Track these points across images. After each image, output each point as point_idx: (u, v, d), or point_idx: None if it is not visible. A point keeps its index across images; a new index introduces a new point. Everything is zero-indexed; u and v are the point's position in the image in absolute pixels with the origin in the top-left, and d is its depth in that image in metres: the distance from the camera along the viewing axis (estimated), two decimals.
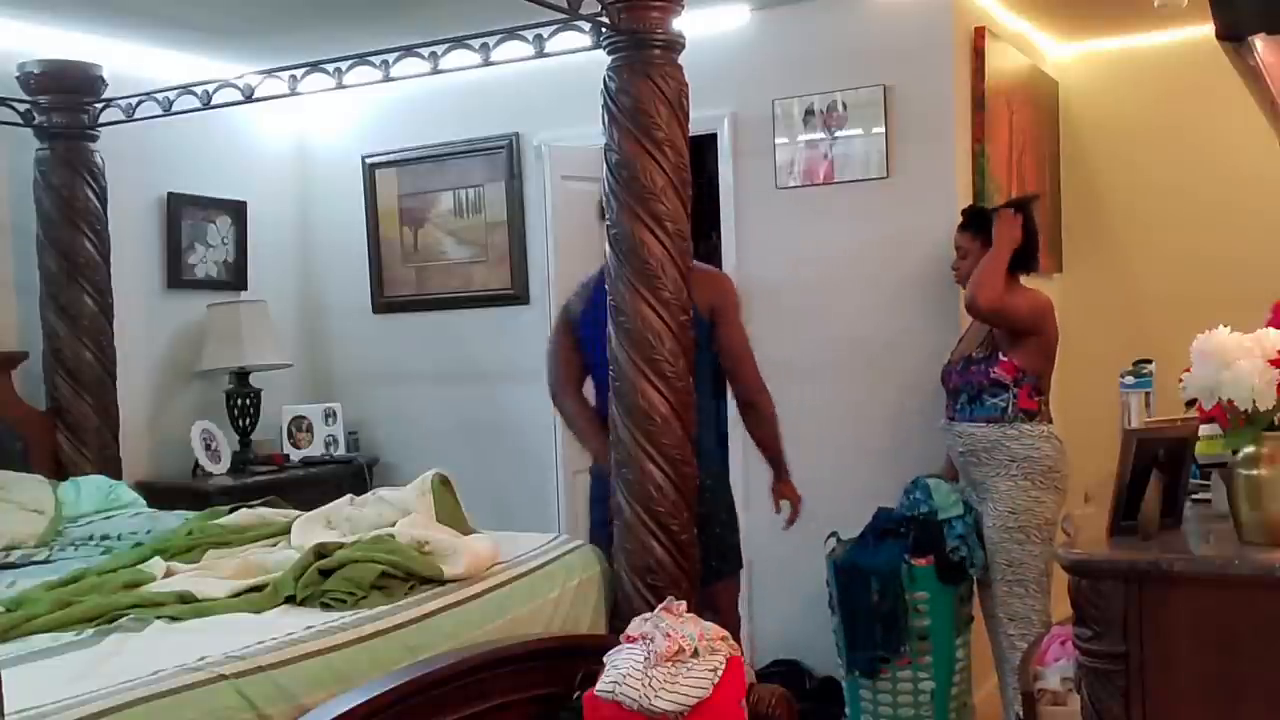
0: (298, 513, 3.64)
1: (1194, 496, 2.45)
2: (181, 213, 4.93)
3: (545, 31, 3.46)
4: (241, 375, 4.92)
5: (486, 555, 3.18)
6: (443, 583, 3.02)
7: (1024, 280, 3.87)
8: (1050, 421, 3.74)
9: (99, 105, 4.36)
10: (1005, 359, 3.68)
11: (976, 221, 3.83)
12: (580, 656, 2.90)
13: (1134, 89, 5.04)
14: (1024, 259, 3.82)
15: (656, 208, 3.28)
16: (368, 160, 5.33)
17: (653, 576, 3.28)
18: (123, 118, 4.33)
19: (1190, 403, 2.21)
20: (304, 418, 5.15)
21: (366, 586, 2.87)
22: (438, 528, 3.34)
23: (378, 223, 5.34)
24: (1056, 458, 3.68)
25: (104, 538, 3.70)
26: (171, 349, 4.93)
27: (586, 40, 3.41)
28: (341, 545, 3.08)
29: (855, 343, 4.35)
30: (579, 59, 3.52)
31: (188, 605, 2.84)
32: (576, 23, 3.34)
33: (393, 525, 3.30)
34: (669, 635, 2.75)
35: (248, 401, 4.91)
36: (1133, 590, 2.09)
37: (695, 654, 2.74)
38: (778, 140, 4.43)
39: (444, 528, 3.35)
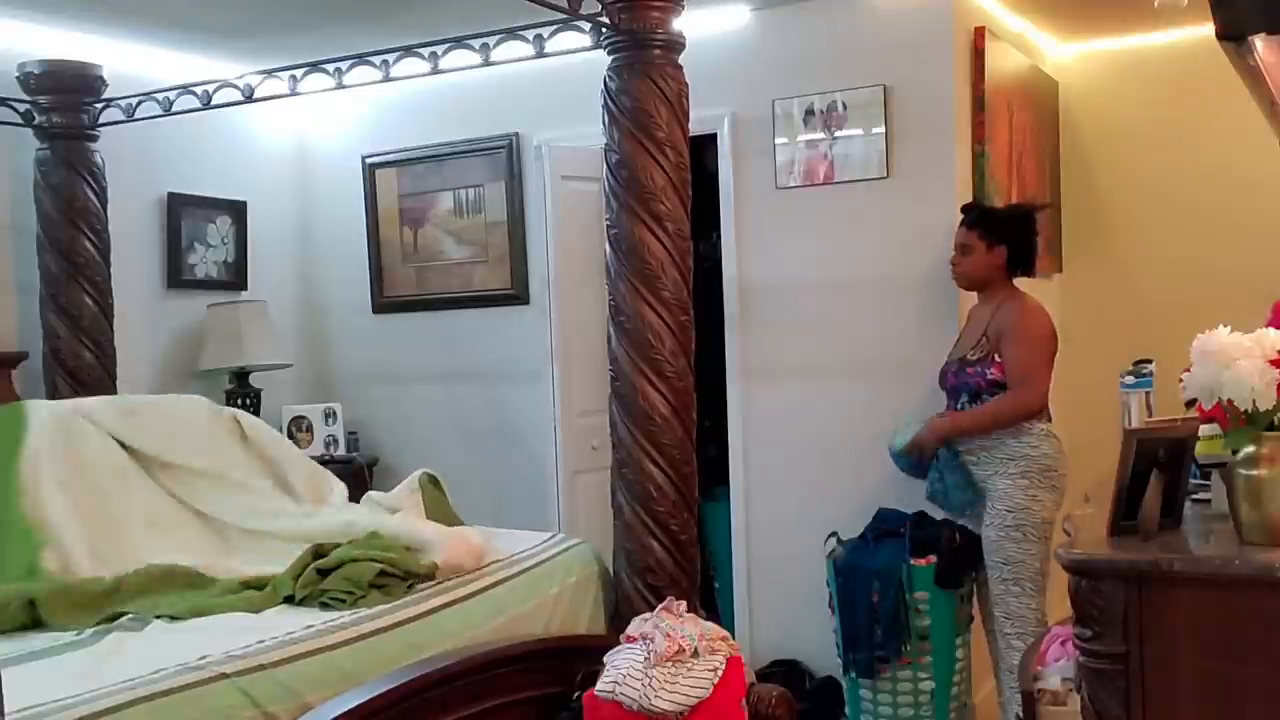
0: None
1: (1194, 496, 2.45)
2: (181, 213, 4.92)
3: (545, 31, 3.47)
4: (241, 375, 4.92)
5: (473, 544, 3.20)
6: (438, 581, 3.03)
7: (1019, 283, 3.88)
8: (1049, 420, 3.74)
9: (99, 105, 4.36)
10: (1001, 361, 3.69)
11: (985, 221, 3.82)
12: (580, 656, 2.90)
13: (1134, 89, 5.04)
14: (1022, 263, 3.83)
15: (656, 208, 3.29)
16: (368, 160, 5.32)
17: (653, 576, 3.29)
18: (123, 118, 4.34)
19: (1190, 403, 2.21)
20: (304, 418, 5.15)
21: (365, 585, 2.88)
22: (423, 523, 3.37)
23: (378, 223, 5.34)
24: (1055, 456, 3.67)
25: None
26: (171, 349, 4.93)
27: (586, 40, 3.42)
28: (338, 545, 3.09)
29: (855, 342, 4.35)
30: (579, 59, 3.52)
31: (187, 605, 2.85)
32: (576, 23, 3.35)
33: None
34: (669, 635, 2.76)
35: (248, 401, 4.90)
36: (1133, 590, 2.08)
37: (695, 654, 2.75)
38: (778, 140, 4.43)
39: (430, 524, 3.37)
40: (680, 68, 3.39)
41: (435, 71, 3.73)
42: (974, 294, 3.94)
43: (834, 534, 4.11)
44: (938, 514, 3.97)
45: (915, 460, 3.80)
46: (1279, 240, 4.57)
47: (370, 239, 5.35)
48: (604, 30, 3.33)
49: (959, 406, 3.78)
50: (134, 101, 4.30)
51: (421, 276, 5.27)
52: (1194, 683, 2.07)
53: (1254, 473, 2.10)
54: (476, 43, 3.62)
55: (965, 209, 3.93)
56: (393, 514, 3.48)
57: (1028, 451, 3.64)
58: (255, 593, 2.94)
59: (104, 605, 2.85)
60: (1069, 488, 3.73)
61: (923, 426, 3.79)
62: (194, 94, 4.20)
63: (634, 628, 2.89)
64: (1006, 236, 3.80)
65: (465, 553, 3.15)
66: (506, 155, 4.99)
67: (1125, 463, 2.18)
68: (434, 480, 3.73)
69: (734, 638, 2.98)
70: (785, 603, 4.48)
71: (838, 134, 4.32)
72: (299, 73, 3.97)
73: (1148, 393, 3.04)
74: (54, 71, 4.29)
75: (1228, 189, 4.78)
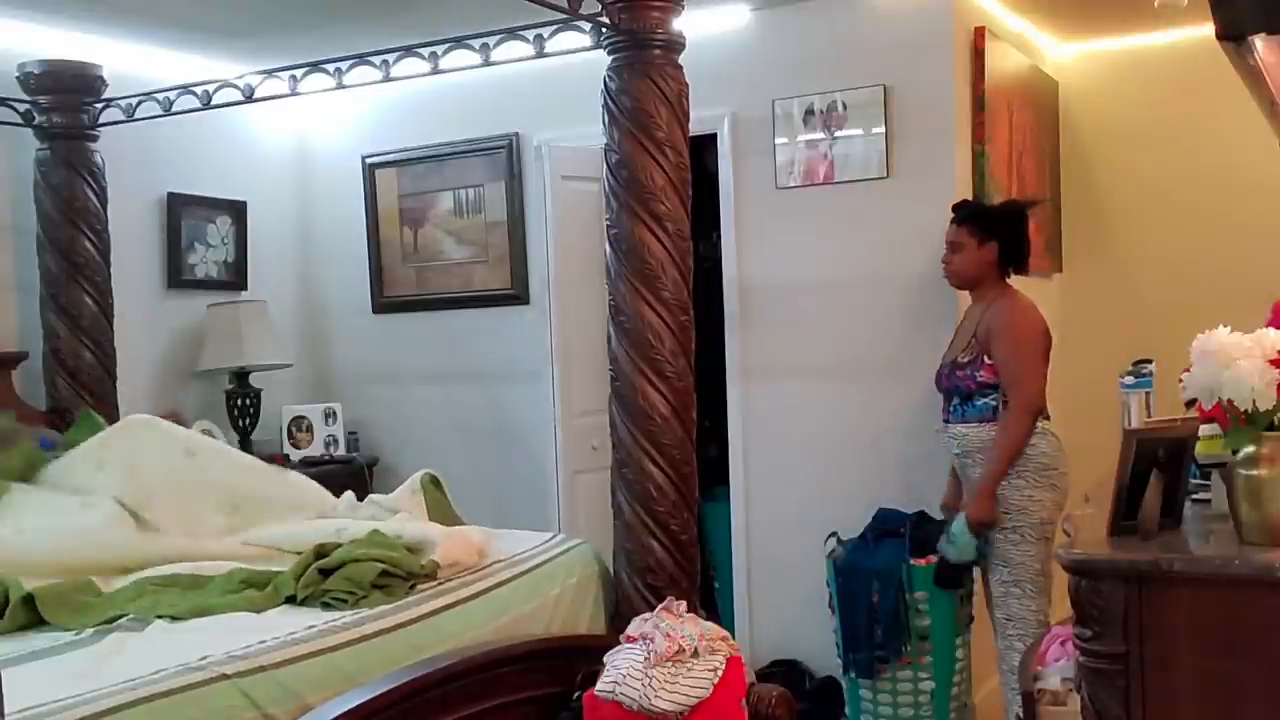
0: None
1: (1194, 496, 2.45)
2: (181, 213, 4.92)
3: (545, 31, 3.47)
4: (241, 375, 4.92)
5: (473, 541, 3.20)
6: (440, 581, 3.03)
7: (1016, 281, 3.86)
8: (1047, 418, 3.70)
9: (99, 105, 4.36)
10: (990, 363, 3.65)
11: (975, 218, 3.81)
12: (580, 656, 2.90)
13: (1134, 89, 5.04)
14: (1014, 260, 3.79)
15: (656, 208, 3.29)
16: (368, 160, 5.33)
17: (653, 576, 3.29)
18: (123, 118, 4.34)
19: (1190, 403, 2.21)
20: (304, 418, 5.15)
21: (367, 586, 2.88)
22: (424, 524, 3.38)
23: (378, 223, 5.34)
24: (1052, 454, 3.63)
25: None
26: (171, 349, 4.93)
27: (586, 40, 3.42)
28: (340, 544, 3.09)
29: (855, 343, 4.35)
30: (579, 59, 3.52)
31: (188, 604, 2.85)
32: (576, 23, 3.35)
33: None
34: (669, 635, 2.76)
35: (248, 401, 4.91)
36: (1133, 590, 2.09)
37: (695, 654, 2.75)
38: (778, 140, 4.43)
39: (431, 524, 3.38)
40: (680, 68, 3.39)
41: (435, 71, 3.73)
42: (969, 293, 3.92)
43: (834, 534, 4.11)
44: (937, 514, 3.97)
45: (982, 536, 3.65)
46: (1279, 240, 4.57)
47: (370, 239, 5.35)
48: (604, 30, 3.33)
49: (952, 408, 3.77)
50: (134, 101, 4.30)
51: (421, 276, 5.27)
52: (1194, 683, 2.07)
53: (1254, 473, 2.10)
54: (476, 43, 3.62)
55: (956, 206, 3.90)
56: (394, 515, 3.49)
57: (1023, 450, 3.60)
58: (257, 592, 2.94)
59: (105, 607, 2.85)
60: (1071, 487, 3.69)
61: (965, 510, 3.65)
62: (194, 94, 4.19)
63: (634, 628, 2.89)
64: (997, 233, 3.76)
65: (465, 550, 3.15)
66: (506, 155, 5.00)
67: (1125, 463, 2.19)
68: (435, 481, 3.74)
69: (734, 638, 2.98)
70: (785, 603, 4.48)
71: (838, 134, 4.32)
72: (299, 73, 3.97)
73: (1148, 393, 3.04)
74: (54, 71, 4.29)
75: (1228, 189, 4.78)
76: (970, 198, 4.12)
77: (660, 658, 2.71)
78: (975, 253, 3.77)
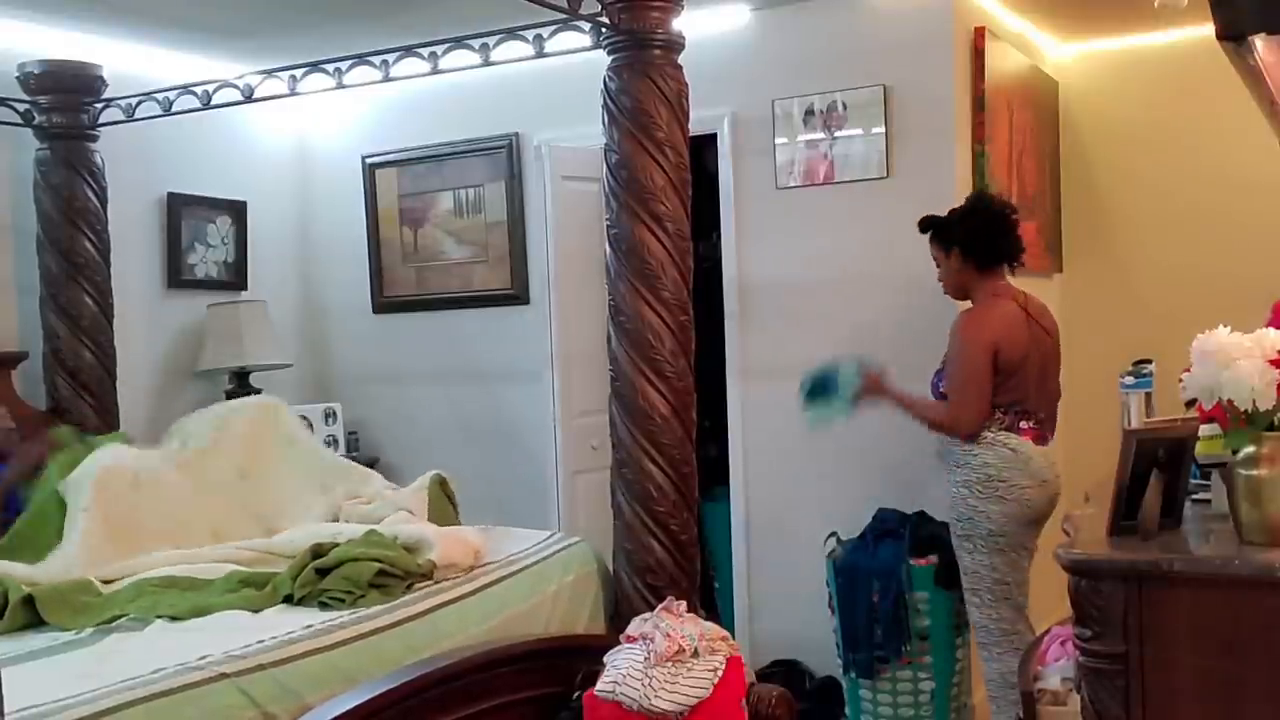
0: None
1: (1194, 496, 2.45)
2: (181, 213, 4.92)
3: (545, 31, 3.47)
4: (241, 375, 4.91)
5: (469, 542, 3.21)
6: (436, 580, 3.04)
7: (1012, 279, 3.79)
8: (1012, 430, 3.53)
9: (99, 105, 4.36)
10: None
11: (933, 231, 3.70)
12: (580, 656, 2.90)
13: (1134, 89, 5.04)
14: (985, 258, 3.61)
15: (656, 208, 3.29)
16: (368, 160, 5.33)
17: (653, 576, 3.29)
18: (123, 118, 4.34)
19: (1190, 403, 2.21)
20: (304, 418, 5.14)
21: (364, 585, 2.88)
22: (422, 524, 3.39)
23: (378, 223, 5.34)
24: (999, 466, 3.48)
25: None
26: (171, 349, 4.93)
27: (586, 40, 3.42)
28: (337, 544, 3.10)
29: (855, 343, 4.33)
30: (579, 59, 3.52)
31: (187, 604, 2.85)
32: (576, 23, 3.35)
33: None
34: (669, 635, 2.76)
35: None
36: (1133, 590, 2.09)
37: (695, 654, 2.75)
38: (778, 140, 4.43)
39: (429, 525, 3.39)
40: (680, 68, 3.40)
41: (435, 71, 3.73)
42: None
43: (834, 534, 4.11)
44: (938, 514, 3.96)
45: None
46: (1279, 241, 4.57)
47: (370, 239, 5.35)
48: (604, 30, 3.33)
49: None
50: (134, 101, 4.30)
51: (421, 276, 5.27)
52: (1194, 683, 2.07)
53: (1254, 473, 2.10)
54: (476, 43, 3.63)
55: (920, 224, 3.76)
56: (395, 510, 3.51)
57: (968, 460, 3.52)
58: (255, 592, 2.95)
59: (104, 607, 2.85)
60: (1039, 500, 3.53)
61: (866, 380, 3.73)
62: (194, 94, 4.20)
63: (634, 628, 2.89)
64: (954, 238, 3.63)
65: (462, 551, 3.16)
66: (506, 155, 4.99)
67: (1125, 463, 2.19)
68: (443, 482, 3.76)
69: (734, 638, 2.98)
70: (785, 603, 4.47)
71: (838, 134, 4.32)
72: (299, 73, 3.97)
73: (1148, 393, 3.04)
74: (54, 71, 4.29)
75: (1228, 189, 4.78)
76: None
77: (660, 658, 2.71)
78: (947, 264, 3.69)
